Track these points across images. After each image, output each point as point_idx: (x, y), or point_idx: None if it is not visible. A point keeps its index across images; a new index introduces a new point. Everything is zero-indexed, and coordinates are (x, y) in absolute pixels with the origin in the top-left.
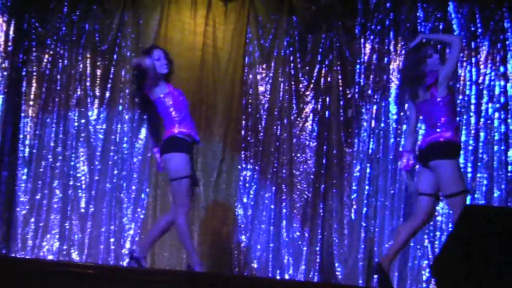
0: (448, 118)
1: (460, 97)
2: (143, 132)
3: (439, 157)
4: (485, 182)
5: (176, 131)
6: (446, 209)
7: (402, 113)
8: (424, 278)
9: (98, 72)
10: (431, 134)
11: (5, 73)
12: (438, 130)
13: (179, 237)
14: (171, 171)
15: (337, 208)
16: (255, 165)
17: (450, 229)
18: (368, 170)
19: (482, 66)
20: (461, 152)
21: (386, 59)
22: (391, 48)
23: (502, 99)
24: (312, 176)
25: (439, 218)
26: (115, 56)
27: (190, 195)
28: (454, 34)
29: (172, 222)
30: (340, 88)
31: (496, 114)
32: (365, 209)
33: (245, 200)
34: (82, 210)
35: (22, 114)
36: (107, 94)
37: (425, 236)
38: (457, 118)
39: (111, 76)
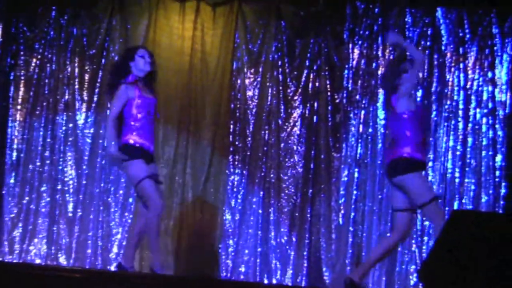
0: (410, 132)
1: (448, 102)
2: None
3: (401, 173)
4: (472, 187)
5: (130, 139)
6: None
7: None
8: (412, 283)
9: (86, 76)
10: (392, 150)
11: None
12: (399, 145)
13: (147, 237)
14: (132, 177)
15: (324, 212)
16: (243, 170)
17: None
18: (356, 175)
19: (470, 72)
20: (428, 164)
21: (374, 64)
22: (379, 53)
23: (490, 105)
24: (300, 181)
25: (426, 223)
26: (103, 61)
27: (159, 194)
28: (420, 51)
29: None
30: (328, 93)
31: (484, 120)
32: (352, 213)
33: (233, 204)
34: (70, 214)
35: (10, 118)
36: (95, 98)
37: (413, 241)
38: (428, 133)
39: (99, 80)
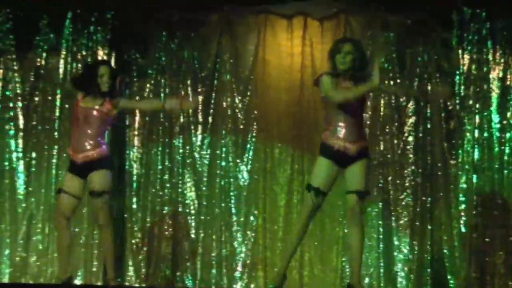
0: None
1: None
2: (247, 155)
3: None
4: None
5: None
6: None
7: (504, 122)
8: None
9: (200, 98)
10: None
11: None
12: None
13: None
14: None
15: (445, 220)
16: None
17: None
18: (474, 181)
19: None
20: None
21: (485, 69)
22: (490, 57)
23: None
24: (418, 190)
25: None
26: (215, 82)
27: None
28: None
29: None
30: (441, 100)
31: None
32: (474, 219)
33: None
34: (192, 236)
35: (127, 144)
36: (210, 119)
37: None
38: None
39: (212, 101)
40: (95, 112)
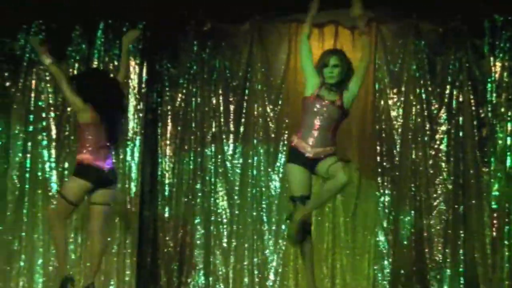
0: None
1: None
2: (279, 164)
3: None
4: None
5: None
6: None
7: None
8: None
9: (231, 107)
10: None
11: (140, 114)
12: None
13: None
14: (112, 198)
15: (478, 228)
16: (393, 190)
17: None
18: (506, 188)
19: None
20: None
21: None
22: None
23: None
24: (450, 198)
25: None
26: (246, 91)
27: None
28: None
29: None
30: (473, 108)
31: None
32: (507, 227)
33: (385, 225)
34: (225, 245)
35: (160, 154)
36: (241, 128)
37: None
38: None
39: (244, 111)
40: None
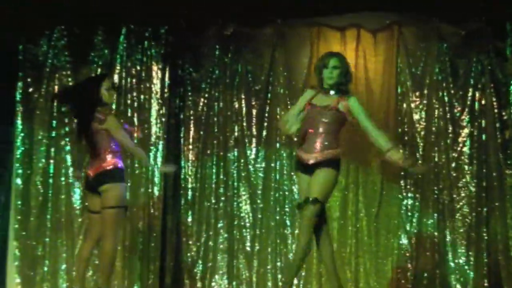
0: None
1: None
2: None
3: None
4: None
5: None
6: None
7: None
8: None
9: (254, 112)
10: None
11: (163, 119)
12: None
13: (105, 260)
14: (118, 199)
15: (501, 230)
16: (415, 193)
17: None
18: None
19: None
20: None
21: None
22: None
23: None
24: (473, 200)
25: None
26: (269, 95)
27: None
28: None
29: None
30: (495, 110)
31: None
32: None
33: (408, 228)
34: (248, 249)
35: (183, 158)
36: (264, 132)
37: None
38: None
39: (266, 115)
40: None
